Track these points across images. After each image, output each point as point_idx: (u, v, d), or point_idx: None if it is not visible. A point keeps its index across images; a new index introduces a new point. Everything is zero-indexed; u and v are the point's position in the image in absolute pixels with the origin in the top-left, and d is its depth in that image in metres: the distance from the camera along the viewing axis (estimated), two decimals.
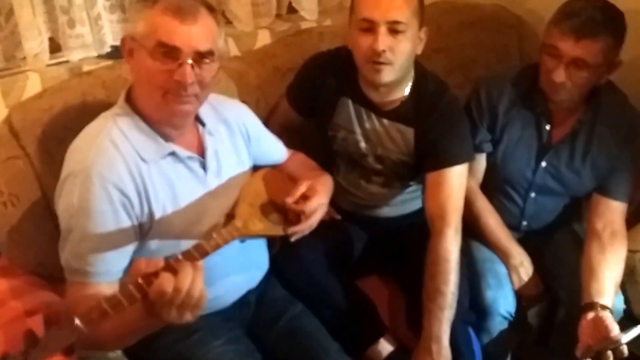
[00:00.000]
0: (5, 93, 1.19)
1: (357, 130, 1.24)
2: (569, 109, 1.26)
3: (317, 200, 1.03)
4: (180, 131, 0.98)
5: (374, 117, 1.22)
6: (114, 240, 0.90)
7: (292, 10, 1.54)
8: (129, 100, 0.96)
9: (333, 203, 1.32)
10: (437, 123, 1.17)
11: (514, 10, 1.72)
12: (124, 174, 0.90)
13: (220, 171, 1.03)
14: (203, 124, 1.02)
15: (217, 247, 0.87)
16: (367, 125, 1.23)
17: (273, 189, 1.07)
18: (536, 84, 1.25)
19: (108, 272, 0.90)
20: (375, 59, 1.08)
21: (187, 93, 0.89)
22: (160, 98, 0.89)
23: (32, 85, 1.21)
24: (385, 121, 1.22)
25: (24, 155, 1.11)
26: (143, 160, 0.93)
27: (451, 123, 1.18)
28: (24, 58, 1.20)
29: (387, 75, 1.11)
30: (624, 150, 1.24)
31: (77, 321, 0.66)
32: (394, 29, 1.06)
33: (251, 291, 1.12)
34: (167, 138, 0.95)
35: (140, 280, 0.71)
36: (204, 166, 1.00)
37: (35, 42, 1.18)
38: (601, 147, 1.25)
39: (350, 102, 1.23)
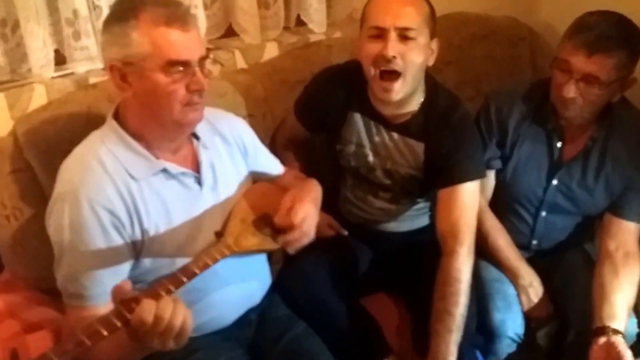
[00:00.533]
0: (11, 105, 1.19)
1: (366, 144, 1.22)
2: (581, 126, 1.23)
3: (302, 208, 0.97)
4: (175, 146, 0.96)
5: (383, 130, 1.21)
6: (107, 261, 0.88)
7: (300, 22, 1.52)
8: (118, 119, 0.94)
9: (340, 217, 1.32)
10: (448, 138, 1.15)
11: (526, 23, 1.69)
12: (113, 194, 0.89)
13: (217, 185, 1.01)
14: (197, 138, 1.01)
15: (206, 267, 0.85)
16: (377, 139, 1.21)
17: (265, 202, 1.04)
18: (547, 99, 1.23)
19: (104, 293, 0.87)
20: (385, 67, 1.06)
21: (200, 100, 0.90)
22: (178, 112, 0.89)
23: (38, 97, 1.21)
24: (395, 135, 1.20)
25: (27, 168, 1.11)
26: (133, 178, 0.91)
27: (463, 139, 1.16)
28: (30, 70, 1.20)
29: (398, 92, 1.09)
30: (638, 168, 1.21)
31: (52, 355, 0.65)
32: (404, 35, 1.05)
33: (252, 309, 1.10)
34: (158, 155, 0.94)
35: (120, 308, 0.69)
36: (199, 181, 0.98)
37: (40, 54, 1.18)
38: (615, 166, 1.22)
39: (359, 116, 1.21)
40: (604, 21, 1.09)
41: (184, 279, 0.80)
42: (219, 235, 0.94)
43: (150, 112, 0.90)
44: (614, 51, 1.07)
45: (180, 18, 0.86)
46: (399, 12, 1.05)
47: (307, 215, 0.97)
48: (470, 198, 1.14)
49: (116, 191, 0.89)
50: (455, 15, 1.62)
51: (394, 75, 1.07)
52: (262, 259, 1.14)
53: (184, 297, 0.94)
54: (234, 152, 1.07)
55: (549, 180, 1.27)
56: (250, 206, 1.03)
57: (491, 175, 1.32)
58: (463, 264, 1.10)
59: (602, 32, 1.08)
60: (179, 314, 0.72)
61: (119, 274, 0.89)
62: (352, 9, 1.56)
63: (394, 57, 1.05)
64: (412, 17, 1.05)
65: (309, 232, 0.99)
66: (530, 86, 1.30)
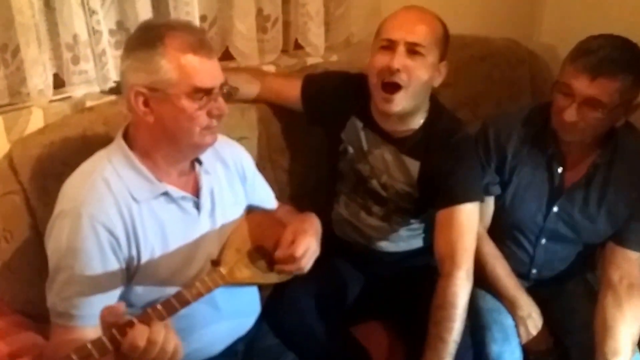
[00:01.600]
0: (8, 128, 1.20)
1: (365, 152, 1.23)
2: (582, 151, 1.20)
3: (304, 242, 0.98)
4: (180, 169, 0.97)
5: (382, 144, 1.21)
6: (100, 283, 0.88)
7: (298, 46, 1.53)
8: (127, 139, 0.95)
9: (332, 236, 1.30)
10: (447, 158, 1.15)
11: (526, 45, 1.68)
12: (114, 214, 0.89)
13: (215, 211, 1.01)
14: (200, 162, 1.01)
15: (200, 295, 0.84)
16: (375, 151, 1.22)
17: (261, 234, 1.04)
18: (548, 124, 1.20)
19: (94, 315, 0.86)
20: (389, 79, 1.08)
21: (218, 123, 0.93)
22: (197, 136, 0.91)
23: (35, 120, 1.22)
24: (393, 149, 1.21)
25: (21, 191, 1.11)
26: (135, 200, 0.91)
27: (461, 160, 1.15)
28: (28, 94, 1.21)
29: (398, 103, 1.10)
30: None
31: None
32: (412, 50, 1.08)
33: (240, 339, 1.09)
34: (161, 179, 0.94)
35: (114, 331, 0.69)
36: (197, 206, 0.98)
37: (40, 79, 1.19)
38: (618, 193, 1.19)
39: (360, 124, 1.23)
40: (609, 45, 1.08)
41: (177, 306, 0.80)
42: (215, 264, 0.93)
43: (168, 136, 0.91)
44: (618, 75, 1.05)
45: (205, 46, 0.89)
46: (411, 28, 1.08)
47: (308, 248, 0.98)
48: (469, 220, 1.12)
49: (118, 211, 0.89)
50: (453, 37, 1.60)
51: (397, 87, 1.09)
52: (254, 289, 1.12)
53: (173, 326, 0.95)
54: (233, 178, 1.08)
55: (549, 207, 1.24)
56: (246, 235, 1.02)
57: (490, 202, 1.29)
58: (460, 289, 1.07)
59: (607, 55, 1.06)
60: (172, 339, 0.71)
61: (110, 297, 0.89)
62: (350, 33, 1.56)
63: (399, 70, 1.07)
64: (423, 35, 1.08)
65: (306, 266, 0.99)
66: (530, 110, 1.28)
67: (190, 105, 0.88)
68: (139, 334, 0.68)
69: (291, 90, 1.30)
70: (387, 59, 1.08)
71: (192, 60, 0.87)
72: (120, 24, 1.27)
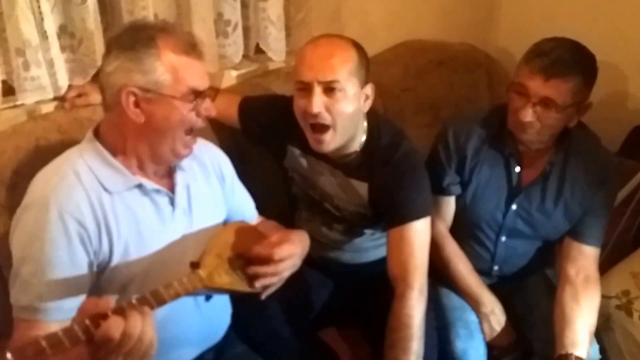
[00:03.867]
0: None
1: (310, 178, 1.21)
2: (539, 151, 1.23)
3: (288, 248, 0.96)
4: (155, 169, 0.96)
5: (327, 170, 1.19)
6: (67, 275, 0.84)
7: (259, 50, 1.52)
8: (98, 137, 0.93)
9: None
10: (390, 177, 1.12)
11: (483, 49, 1.72)
12: (84, 204, 0.86)
13: (191, 209, 0.99)
14: None
15: (177, 296, 0.82)
16: (321, 177, 1.19)
17: (244, 243, 1.00)
18: (505, 124, 1.23)
19: (59, 309, 0.84)
20: (312, 121, 1.05)
21: (202, 125, 0.94)
22: (183, 141, 0.91)
23: None
24: (339, 173, 1.18)
25: None
26: (106, 191, 0.89)
27: (405, 177, 1.12)
28: None
29: (328, 144, 1.07)
30: (597, 193, 1.22)
31: (8, 355, 0.60)
32: (329, 88, 1.03)
33: (210, 348, 1.06)
34: (134, 172, 0.92)
35: (87, 322, 0.66)
36: (172, 202, 0.96)
37: None
38: (574, 190, 1.23)
39: (299, 153, 1.20)
40: (561, 47, 1.11)
41: (153, 304, 0.77)
42: (194, 266, 0.91)
43: (155, 136, 0.90)
44: (570, 76, 1.09)
45: (197, 47, 0.90)
46: (321, 66, 1.02)
47: (290, 256, 0.96)
48: (419, 237, 1.09)
49: (88, 202, 0.87)
50: (412, 42, 1.65)
51: (324, 127, 1.06)
52: (227, 304, 1.11)
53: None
54: (210, 177, 1.06)
55: (508, 205, 1.26)
56: (228, 242, 0.99)
57: (451, 201, 1.31)
58: (413, 309, 1.05)
59: (559, 57, 1.09)
60: (148, 332, 0.69)
61: (77, 290, 0.86)
62: (311, 37, 1.56)
63: (320, 112, 1.03)
64: (336, 71, 1.02)
65: (283, 275, 0.97)
66: (488, 111, 1.31)
67: (184, 106, 0.88)
68: (114, 326, 0.66)
69: (231, 111, 1.27)
70: (306, 102, 1.04)
71: (185, 62, 0.87)
72: (63, 28, 1.23)
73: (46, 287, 0.83)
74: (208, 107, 0.93)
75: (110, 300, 0.69)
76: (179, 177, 0.98)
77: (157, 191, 0.94)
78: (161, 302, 0.78)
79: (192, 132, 0.93)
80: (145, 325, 0.69)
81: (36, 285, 0.83)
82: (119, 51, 0.88)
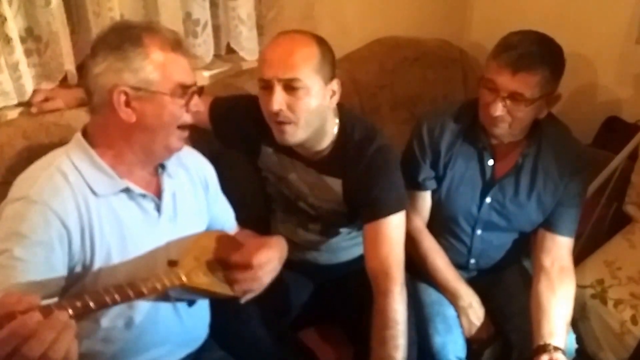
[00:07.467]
0: None
1: (284, 177, 1.19)
2: (511, 144, 1.24)
3: (267, 254, 0.95)
4: (143, 172, 0.95)
5: (300, 167, 1.17)
6: (40, 273, 0.80)
7: (232, 50, 1.51)
8: (86, 138, 0.91)
9: None
10: (364, 173, 1.11)
11: (457, 45, 1.73)
12: (69, 204, 0.84)
13: (177, 217, 0.98)
14: (163, 167, 0.99)
15: (154, 291, 0.81)
16: (294, 175, 1.18)
17: (223, 250, 1.00)
18: (478, 119, 1.24)
19: None
20: (275, 119, 1.04)
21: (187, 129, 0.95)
22: (172, 137, 0.92)
23: None
24: (313, 172, 1.17)
25: None
26: (93, 193, 0.87)
27: (379, 172, 1.11)
28: None
29: (292, 135, 1.05)
30: (569, 184, 1.23)
31: None
32: (290, 86, 1.01)
33: (189, 355, 1.05)
34: (122, 176, 0.91)
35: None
36: (158, 208, 0.95)
37: None
38: (546, 181, 1.24)
39: (272, 151, 1.19)
40: (527, 40, 1.11)
41: (131, 294, 0.76)
42: (172, 264, 0.90)
43: (147, 135, 0.90)
44: (537, 69, 1.09)
45: (183, 44, 0.92)
46: (281, 63, 1.00)
47: (269, 261, 0.96)
48: (396, 231, 1.09)
49: (73, 202, 0.85)
50: (387, 39, 1.65)
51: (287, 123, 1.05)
52: (207, 313, 1.09)
53: (125, 336, 0.90)
54: (196, 185, 1.05)
55: (482, 199, 1.27)
56: (206, 247, 0.99)
57: (427, 196, 1.31)
58: (399, 304, 1.05)
59: (525, 50, 1.09)
60: (65, 340, 0.63)
61: (47, 291, 0.81)
62: None
63: (281, 109, 1.01)
64: (297, 68, 1.00)
65: (262, 280, 0.96)
66: (461, 106, 1.31)
67: (174, 102, 0.89)
68: (26, 322, 0.61)
69: (202, 112, 1.23)
70: (267, 100, 1.02)
71: (173, 58, 0.89)
72: (29, 31, 1.20)
73: (14, 282, 0.78)
74: (197, 102, 0.93)
75: (37, 298, 0.65)
76: (166, 184, 0.97)
77: (144, 196, 0.93)
78: (138, 293, 0.77)
79: (183, 128, 0.93)
80: (62, 333, 0.63)
81: (3, 279, 0.78)
82: (107, 52, 0.87)
